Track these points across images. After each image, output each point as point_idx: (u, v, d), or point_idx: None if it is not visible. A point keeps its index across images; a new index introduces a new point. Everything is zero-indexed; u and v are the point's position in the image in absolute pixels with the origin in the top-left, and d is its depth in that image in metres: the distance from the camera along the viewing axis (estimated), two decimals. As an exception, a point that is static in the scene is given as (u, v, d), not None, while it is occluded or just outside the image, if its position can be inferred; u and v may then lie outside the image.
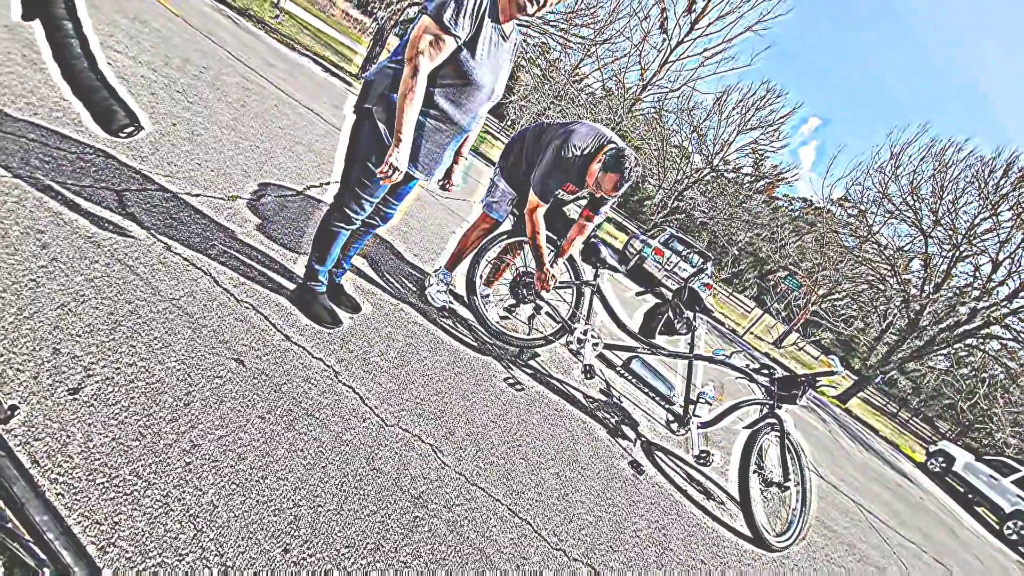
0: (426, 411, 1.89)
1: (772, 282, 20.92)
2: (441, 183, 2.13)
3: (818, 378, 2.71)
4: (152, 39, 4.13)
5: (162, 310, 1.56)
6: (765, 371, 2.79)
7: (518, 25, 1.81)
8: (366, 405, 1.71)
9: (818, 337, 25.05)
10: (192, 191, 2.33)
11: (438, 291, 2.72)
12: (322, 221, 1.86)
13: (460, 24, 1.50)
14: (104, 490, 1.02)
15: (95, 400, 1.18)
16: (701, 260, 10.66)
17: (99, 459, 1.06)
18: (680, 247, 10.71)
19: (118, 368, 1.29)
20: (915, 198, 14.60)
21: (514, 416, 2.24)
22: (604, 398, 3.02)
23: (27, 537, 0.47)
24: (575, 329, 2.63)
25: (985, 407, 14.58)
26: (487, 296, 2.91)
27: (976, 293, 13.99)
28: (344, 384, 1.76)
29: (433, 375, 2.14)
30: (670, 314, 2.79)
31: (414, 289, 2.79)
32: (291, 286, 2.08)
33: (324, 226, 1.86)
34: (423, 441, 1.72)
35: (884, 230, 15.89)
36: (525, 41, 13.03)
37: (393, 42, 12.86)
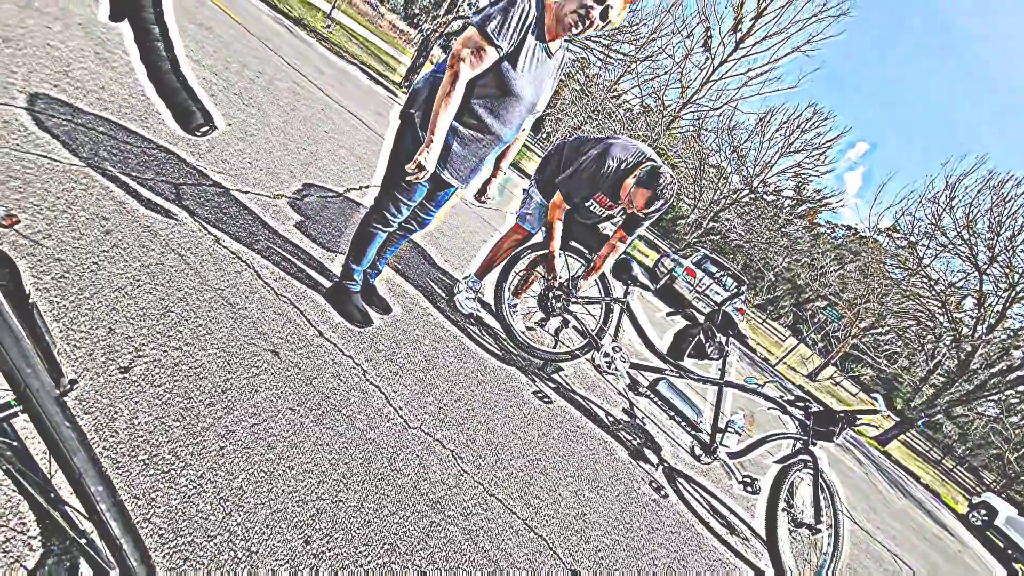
0: (448, 416, 1.90)
1: (810, 311, 20.05)
2: (478, 194, 2.16)
3: (858, 416, 2.58)
4: (215, 44, 4.39)
5: (208, 299, 1.64)
6: (800, 404, 2.67)
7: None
8: (391, 405, 1.73)
9: (857, 373, 23.78)
10: (242, 188, 2.44)
11: (467, 298, 2.74)
12: (361, 222, 1.92)
13: (503, 36, 1.53)
14: (145, 466, 1.07)
15: (143, 380, 1.24)
16: (735, 284, 10.35)
17: (142, 436, 1.12)
18: (714, 269, 10.44)
19: (165, 351, 1.36)
20: (971, 232, 13.77)
21: (535, 429, 2.22)
22: (627, 418, 2.95)
23: (83, 519, 0.49)
24: (602, 345, 2.59)
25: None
26: (515, 306, 2.91)
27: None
28: (371, 383, 1.79)
29: (457, 381, 2.15)
30: (701, 337, 2.72)
31: (443, 295, 2.83)
32: (327, 283, 2.14)
33: (363, 227, 1.92)
34: (444, 446, 1.72)
35: (935, 264, 15.03)
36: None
37: (437, 54, 13.21)
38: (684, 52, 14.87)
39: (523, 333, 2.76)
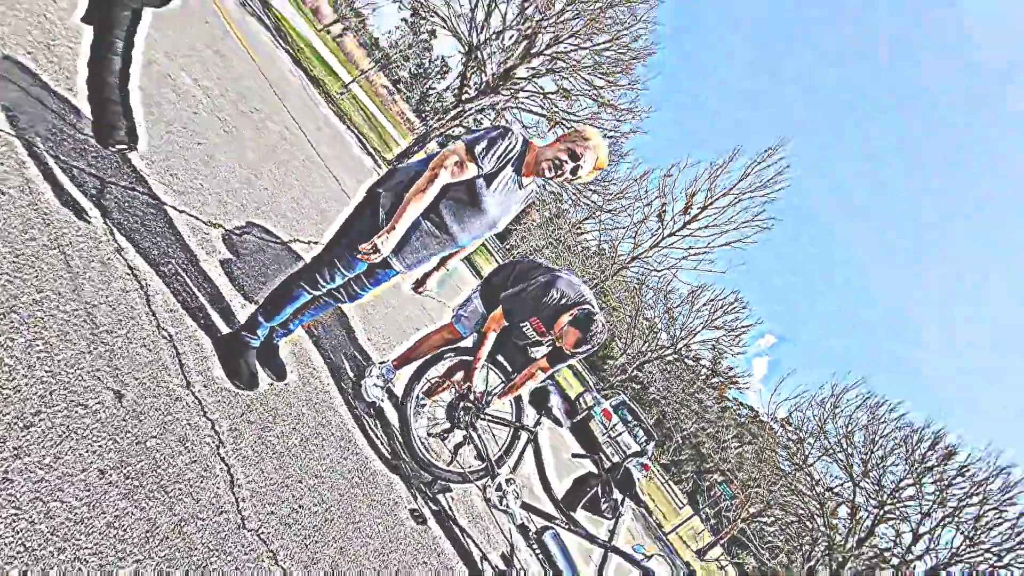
0: (299, 523, 1.62)
1: (708, 483, 20.57)
2: (415, 285, 2.16)
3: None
4: (222, 72, 4.49)
5: (69, 311, 1.41)
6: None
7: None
8: (233, 494, 1.46)
9: (742, 561, 23.79)
10: (178, 206, 2.30)
11: (374, 385, 2.57)
12: (288, 276, 1.82)
13: (488, 159, 1.69)
14: None
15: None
16: (645, 438, 10.55)
17: None
18: (629, 417, 10.67)
19: (-27, 360, 1.11)
20: (848, 443, 15.31)
21: (396, 558, 1.94)
22: (503, 566, 2.67)
23: None
24: (498, 475, 2.44)
25: None
26: (423, 406, 2.75)
27: (896, 561, 13.86)
28: (222, 459, 1.53)
29: (327, 479, 1.89)
30: (598, 491, 2.64)
31: (352, 375, 2.63)
32: (226, 330, 1.94)
33: (288, 282, 1.81)
34: (277, 562, 1.44)
35: (818, 465, 16.29)
36: (544, 186, 14.61)
37: (432, 148, 14.25)
38: (641, 216, 17.07)
39: (422, 440, 2.56)
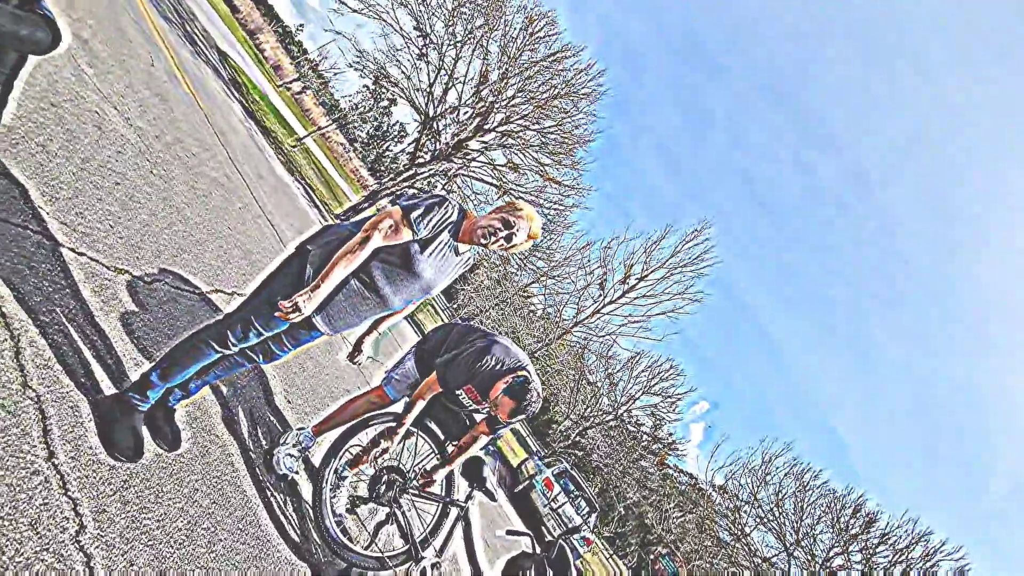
0: (170, 629, 1.34)
1: (652, 556, 19.98)
2: (350, 355, 2.04)
3: None
4: (160, 114, 4.35)
5: (-101, 365, 1.17)
6: None
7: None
8: (84, 597, 1.19)
9: (687, 639, 22.71)
10: (79, 248, 2.08)
11: (288, 454, 2.31)
12: (193, 333, 1.65)
13: (424, 225, 1.68)
14: None
15: None
16: (588, 509, 10.20)
17: None
18: (571, 487, 10.33)
19: None
20: (779, 510, 15.69)
21: (292, 669, 1.64)
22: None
23: None
24: (422, 559, 2.20)
25: None
26: (344, 479, 2.49)
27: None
28: (80, 548, 1.26)
29: (216, 571, 1.61)
30: (531, 573, 2.45)
31: (262, 443, 2.36)
32: (111, 391, 1.69)
33: (192, 339, 1.63)
34: None
35: (755, 534, 16.43)
36: (504, 250, 14.98)
37: (382, 204, 14.33)
38: (584, 283, 17.85)
39: (337, 519, 2.29)
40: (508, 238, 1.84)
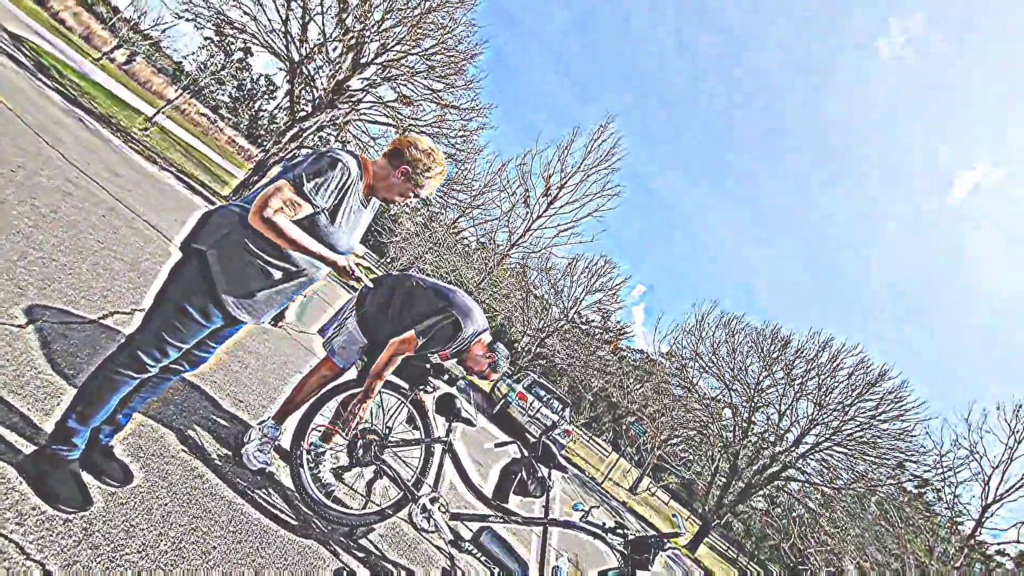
0: (193, 635, 1.38)
1: (624, 426, 22.66)
2: (273, 319, 1.92)
3: (665, 539, 2.77)
4: (-51, 125, 3.50)
5: None
6: (619, 532, 2.76)
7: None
8: (88, 640, 1.19)
9: (666, 481, 26.76)
10: (-87, 311, 1.75)
11: (257, 450, 2.28)
12: (101, 365, 1.49)
13: (322, 195, 1.56)
14: None
15: None
16: (561, 406, 11.15)
17: None
18: (542, 392, 11.16)
19: None
20: (716, 358, 18.10)
21: (328, 623, 1.77)
22: (449, 580, 2.62)
23: None
24: (419, 498, 2.36)
25: (801, 547, 16.33)
26: (323, 453, 2.52)
27: (772, 439, 16.87)
28: (64, 604, 1.23)
29: (224, 572, 1.64)
30: (523, 474, 2.71)
31: (222, 450, 2.30)
32: (31, 448, 1.54)
33: (103, 371, 1.48)
34: None
35: (701, 382, 18.98)
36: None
37: (275, 174, 13.02)
38: (509, 205, 17.83)
39: (327, 489, 2.36)
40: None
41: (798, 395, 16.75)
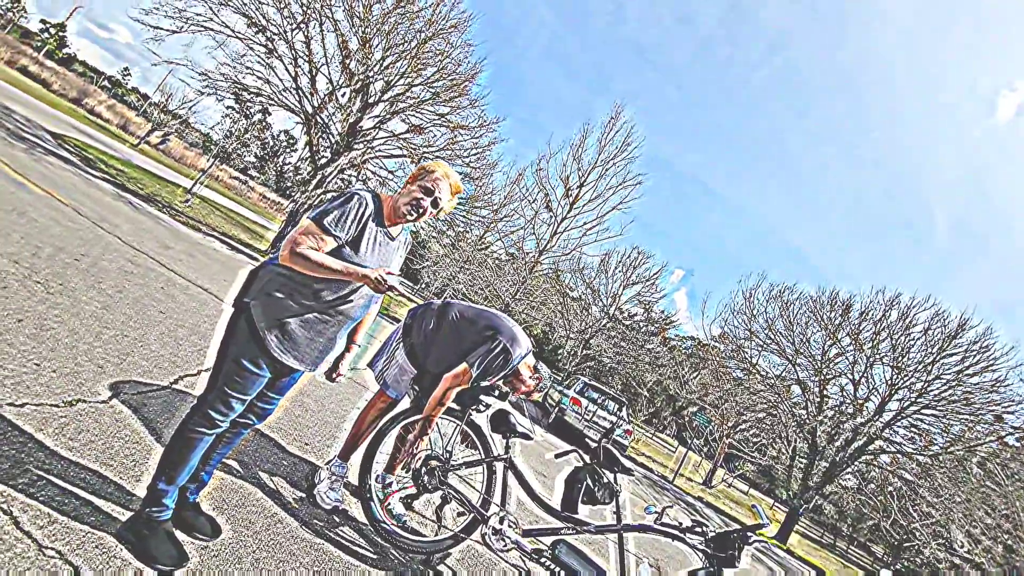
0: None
1: (687, 418, 21.84)
2: (327, 372, 2.02)
3: (749, 532, 2.63)
4: (26, 230, 3.89)
5: None
6: (697, 529, 2.65)
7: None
8: None
9: (742, 470, 25.53)
10: (17, 400, 1.93)
11: (329, 489, 2.36)
12: (178, 428, 1.60)
13: (341, 227, 1.63)
14: None
15: None
16: (616, 406, 10.91)
17: None
18: (595, 395, 10.97)
19: None
20: (773, 333, 17.15)
21: (420, 654, 1.78)
22: (533, 598, 2.58)
23: None
24: (488, 518, 2.35)
25: (904, 523, 15.07)
26: (390, 484, 2.57)
27: (851, 411, 15.75)
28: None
29: (312, 613, 1.69)
30: (589, 482, 2.66)
31: (297, 493, 2.39)
32: (127, 515, 1.65)
33: (180, 433, 1.59)
34: None
35: (761, 361, 18.03)
36: (436, 217, 14.72)
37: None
38: (532, 213, 17.84)
39: (400, 519, 2.40)
40: (434, 203, 1.81)
41: (871, 360, 15.56)
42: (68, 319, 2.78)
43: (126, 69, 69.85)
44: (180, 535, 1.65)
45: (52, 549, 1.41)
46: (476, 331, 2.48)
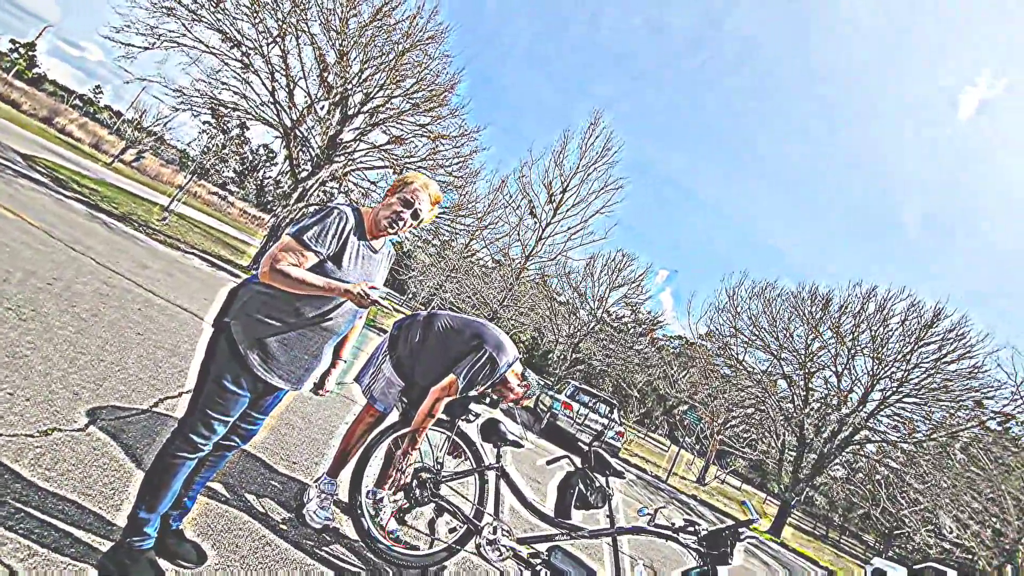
0: None
1: (678, 417, 22.01)
2: (314, 387, 1.99)
3: (740, 528, 2.65)
4: (-8, 254, 3.77)
5: None
6: (690, 529, 2.67)
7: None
8: None
9: (733, 466, 25.77)
10: (-14, 433, 1.86)
11: (319, 507, 2.32)
12: (158, 454, 1.56)
13: (321, 242, 1.61)
14: None
15: None
16: (608, 408, 10.95)
17: None
18: (586, 398, 11.00)
19: None
20: (757, 330, 17.45)
21: (416, 671, 1.76)
22: (529, 606, 2.56)
23: None
24: (482, 528, 2.34)
25: (893, 511, 15.35)
26: (381, 500, 2.54)
27: (836, 402, 16.06)
28: None
29: (304, 636, 1.66)
30: (581, 486, 2.66)
31: (285, 514, 2.34)
32: (108, 545, 1.60)
33: (162, 458, 1.55)
34: None
35: (747, 357, 18.30)
36: (417, 228, 14.69)
37: (289, 236, 13.44)
38: (516, 219, 17.90)
39: (392, 535, 2.37)
40: (415, 215, 1.82)
41: (852, 352, 15.93)
42: (41, 345, 2.70)
43: (98, 87, 68.42)
44: (163, 563, 1.61)
45: (28, 586, 1.36)
46: (462, 341, 2.48)
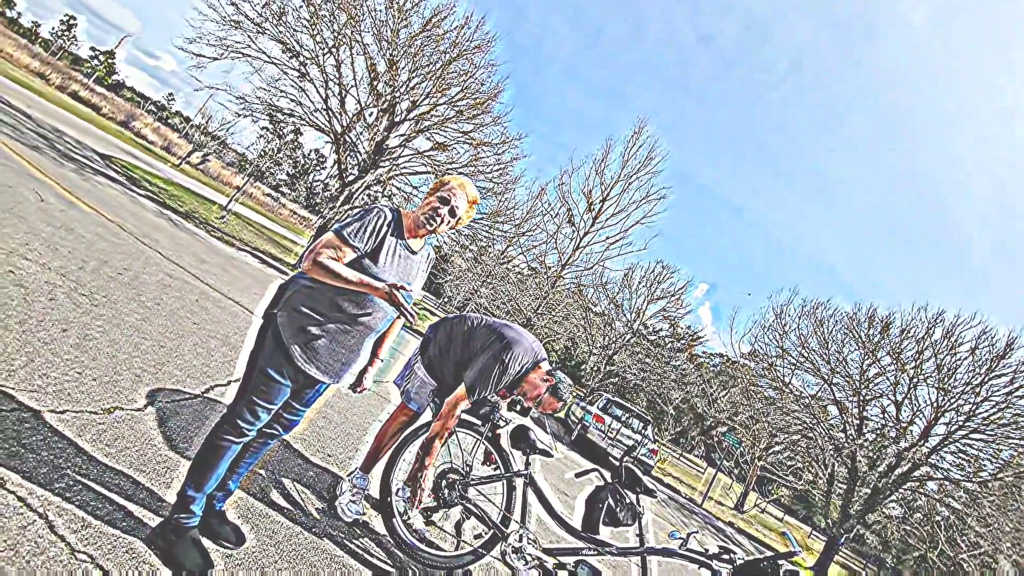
0: None
1: (716, 438, 21.09)
2: (352, 385, 2.05)
3: (779, 560, 2.49)
4: (72, 244, 4.13)
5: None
6: (725, 557, 2.53)
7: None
8: None
9: (776, 495, 24.36)
10: (58, 407, 2.03)
11: (350, 501, 2.36)
12: (208, 436, 1.64)
13: (359, 238, 1.68)
14: None
15: None
16: (641, 424, 10.64)
17: None
18: (619, 412, 10.74)
19: None
20: (807, 351, 16.44)
21: (437, 675, 1.75)
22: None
23: None
24: (508, 535, 2.31)
25: (951, 554, 14.01)
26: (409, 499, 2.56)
27: (894, 434, 14.85)
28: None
29: (330, 627, 1.68)
30: (611, 502, 2.58)
31: (319, 504, 2.41)
32: (157, 520, 1.70)
33: (210, 441, 1.63)
34: None
35: (794, 380, 17.29)
36: (458, 232, 14.95)
37: (334, 237, 13.96)
38: (554, 227, 17.85)
39: (418, 534, 2.38)
40: (452, 212, 1.84)
41: (915, 381, 14.70)
42: (110, 329, 2.92)
43: (171, 94, 74.38)
44: (206, 542, 1.68)
45: (84, 553, 1.46)
46: (484, 342, 2.47)
